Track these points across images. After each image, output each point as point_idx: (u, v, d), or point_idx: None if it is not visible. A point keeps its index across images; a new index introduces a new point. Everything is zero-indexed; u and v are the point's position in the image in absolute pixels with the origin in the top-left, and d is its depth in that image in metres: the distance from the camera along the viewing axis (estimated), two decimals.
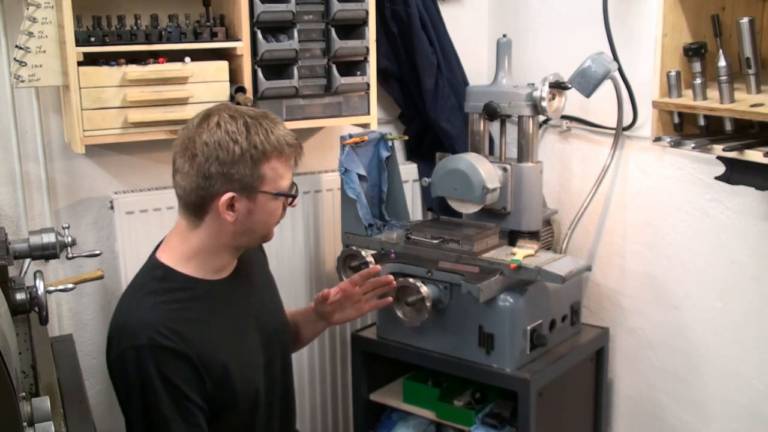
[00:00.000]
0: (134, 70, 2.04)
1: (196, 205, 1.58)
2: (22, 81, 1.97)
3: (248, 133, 1.54)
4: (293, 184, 1.64)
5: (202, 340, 1.58)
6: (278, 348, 1.79)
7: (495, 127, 2.42)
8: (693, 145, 1.79)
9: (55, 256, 1.79)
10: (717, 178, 1.89)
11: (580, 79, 2.13)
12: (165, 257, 1.64)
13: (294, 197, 1.65)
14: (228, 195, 1.55)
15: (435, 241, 2.21)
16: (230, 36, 2.16)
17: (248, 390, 1.67)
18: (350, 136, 2.32)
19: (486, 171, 2.16)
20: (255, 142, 1.54)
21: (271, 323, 1.78)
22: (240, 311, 1.71)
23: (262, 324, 1.75)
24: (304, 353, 2.59)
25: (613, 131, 2.37)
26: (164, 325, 1.53)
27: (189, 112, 1.98)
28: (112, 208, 2.23)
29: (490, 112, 2.25)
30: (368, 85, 2.35)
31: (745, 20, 1.70)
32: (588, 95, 2.14)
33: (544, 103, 2.17)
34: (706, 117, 1.84)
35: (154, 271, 1.63)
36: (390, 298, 1.96)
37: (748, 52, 1.71)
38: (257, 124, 1.56)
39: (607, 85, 2.18)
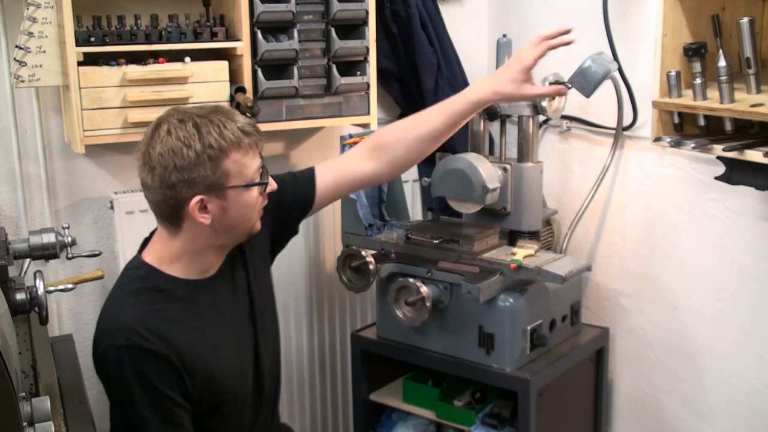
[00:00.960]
0: (134, 70, 2.04)
1: (170, 216, 1.58)
2: (22, 81, 1.98)
3: (200, 134, 1.52)
4: (262, 169, 1.62)
5: (183, 340, 1.56)
6: (270, 343, 1.78)
7: (495, 127, 2.41)
8: (693, 145, 1.79)
9: (55, 256, 1.79)
10: (717, 178, 1.89)
11: (580, 79, 2.12)
12: (149, 258, 1.63)
13: (266, 183, 1.63)
14: (196, 199, 1.54)
15: (435, 241, 2.21)
16: (230, 36, 2.16)
17: (236, 389, 1.66)
18: (350, 136, 2.33)
19: (486, 171, 2.16)
20: (209, 142, 1.52)
21: (264, 319, 1.77)
22: (227, 310, 1.70)
23: (253, 320, 1.74)
24: (304, 353, 2.59)
25: (613, 131, 2.37)
26: (143, 326, 1.52)
27: None
28: (112, 208, 2.23)
29: (490, 112, 2.24)
30: (368, 85, 2.35)
31: (745, 20, 1.70)
32: (588, 95, 2.13)
33: (544, 103, 2.17)
34: (706, 117, 1.84)
35: (136, 270, 1.63)
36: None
37: (748, 52, 1.71)
38: (208, 123, 1.54)
39: (607, 85, 2.18)
